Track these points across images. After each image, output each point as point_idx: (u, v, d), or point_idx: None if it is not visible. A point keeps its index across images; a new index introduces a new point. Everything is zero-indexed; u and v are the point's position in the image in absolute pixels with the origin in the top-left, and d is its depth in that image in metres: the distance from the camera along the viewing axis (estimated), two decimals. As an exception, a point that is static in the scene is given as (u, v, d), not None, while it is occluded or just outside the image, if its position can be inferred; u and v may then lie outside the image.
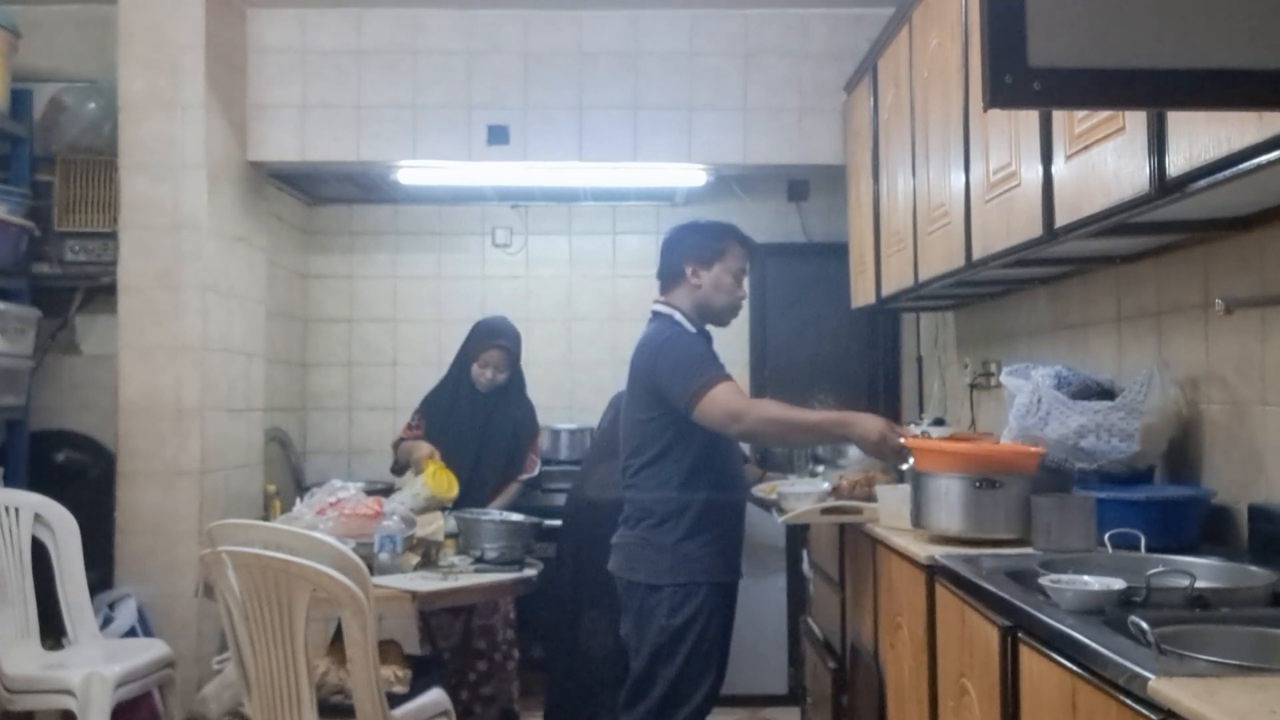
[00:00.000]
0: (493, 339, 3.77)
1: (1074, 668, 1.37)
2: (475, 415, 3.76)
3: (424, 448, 3.56)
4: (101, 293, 4.09)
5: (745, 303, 2.91)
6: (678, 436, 2.69)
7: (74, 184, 4.03)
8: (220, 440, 4.02)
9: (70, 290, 4.13)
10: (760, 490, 3.26)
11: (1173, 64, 0.96)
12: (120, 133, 3.92)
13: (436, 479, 3.37)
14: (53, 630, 3.42)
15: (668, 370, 2.65)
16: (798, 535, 4.03)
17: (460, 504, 3.46)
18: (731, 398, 2.59)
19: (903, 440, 2.45)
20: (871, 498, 2.59)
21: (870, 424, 2.53)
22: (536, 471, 3.86)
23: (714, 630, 2.67)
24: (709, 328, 2.85)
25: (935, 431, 3.46)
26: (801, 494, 2.75)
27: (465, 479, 3.55)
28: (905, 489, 2.47)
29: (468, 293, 5.35)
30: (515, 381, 3.84)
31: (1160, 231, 2.15)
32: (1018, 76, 0.93)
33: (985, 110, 1.08)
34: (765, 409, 2.67)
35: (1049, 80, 0.94)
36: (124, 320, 3.90)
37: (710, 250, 2.79)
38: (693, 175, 4.48)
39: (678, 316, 2.77)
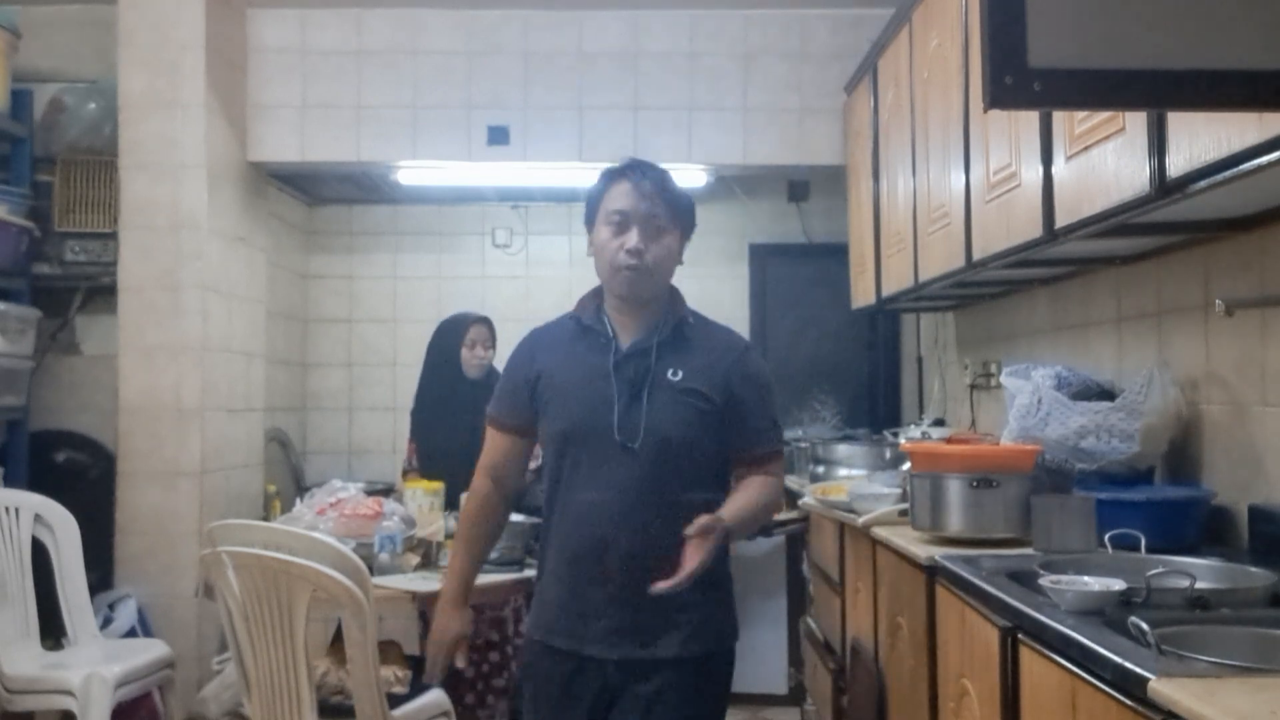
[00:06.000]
0: (470, 319, 3.76)
1: (1074, 668, 1.36)
2: (467, 411, 3.77)
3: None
4: (101, 293, 4.09)
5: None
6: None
7: (74, 184, 4.03)
8: (220, 440, 4.02)
9: (70, 290, 4.13)
10: (826, 492, 2.99)
11: (1172, 64, 0.96)
12: (120, 133, 3.92)
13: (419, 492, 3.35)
14: (53, 630, 3.42)
15: None
16: (798, 536, 4.03)
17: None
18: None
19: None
20: None
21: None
22: (540, 463, 3.85)
23: (530, 703, 2.12)
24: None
25: (935, 432, 3.47)
26: (879, 495, 2.56)
27: (467, 476, 3.55)
28: (878, 485, 2.49)
29: (468, 293, 5.35)
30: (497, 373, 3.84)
31: (1160, 232, 2.15)
32: (1018, 77, 0.93)
33: (986, 111, 1.07)
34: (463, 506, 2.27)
35: (1049, 81, 0.94)
36: (124, 320, 3.90)
37: (590, 204, 2.12)
38: (693, 176, 4.48)
39: (574, 311, 2.16)
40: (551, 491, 2.09)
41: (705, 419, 2.01)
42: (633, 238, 2.01)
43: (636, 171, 2.08)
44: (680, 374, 2.02)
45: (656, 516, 1.96)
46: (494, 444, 2.19)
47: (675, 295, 2.13)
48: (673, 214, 2.05)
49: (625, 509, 1.98)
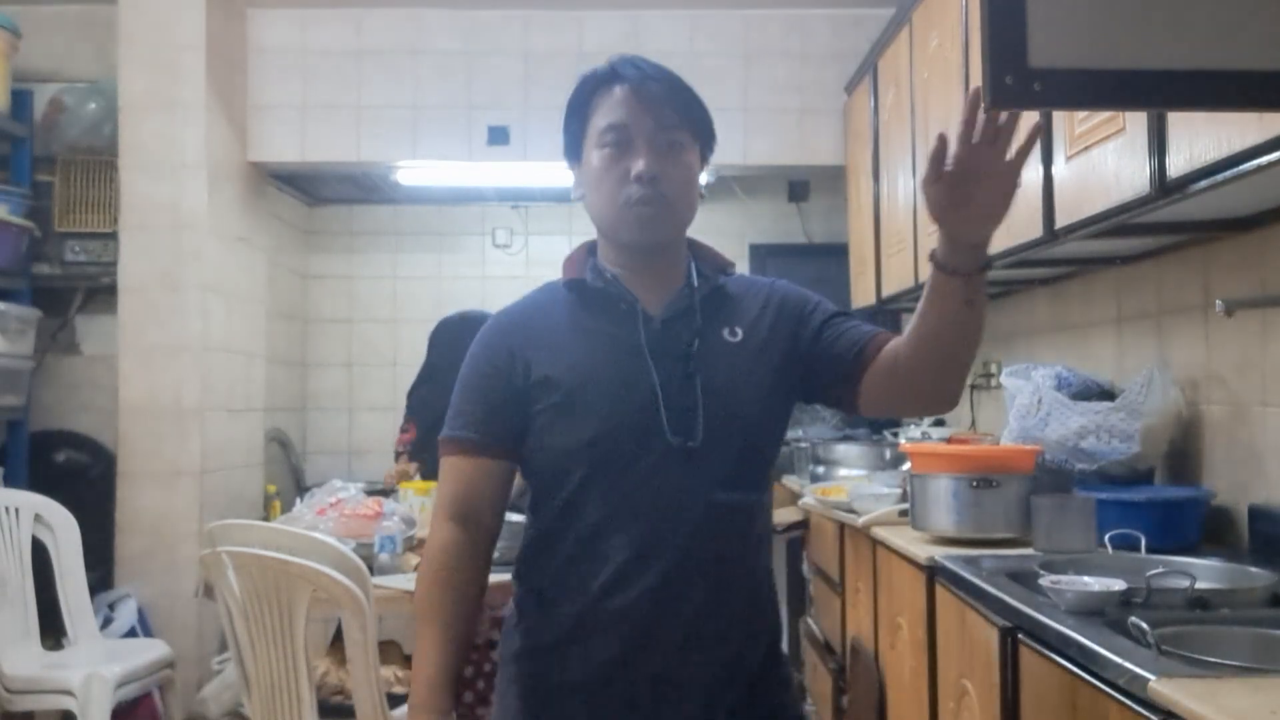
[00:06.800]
0: None
1: (1074, 669, 1.36)
2: None
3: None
4: (101, 293, 4.09)
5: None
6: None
7: (74, 184, 4.03)
8: (220, 440, 4.02)
9: (70, 290, 4.13)
10: (826, 492, 2.97)
11: (1173, 65, 0.96)
12: (120, 133, 3.92)
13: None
14: (53, 630, 3.42)
15: None
16: (797, 536, 4.02)
17: None
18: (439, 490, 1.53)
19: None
20: None
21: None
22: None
23: None
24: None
25: (935, 432, 3.47)
26: (879, 495, 2.54)
27: None
28: (878, 485, 2.48)
29: (468, 293, 5.35)
30: None
31: (1160, 232, 2.15)
32: (1018, 77, 0.93)
33: (985, 112, 1.08)
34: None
35: (1049, 81, 0.94)
36: (124, 320, 3.90)
37: (571, 125, 1.53)
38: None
39: (565, 276, 1.55)
40: (549, 545, 1.46)
41: (782, 383, 1.47)
42: (640, 161, 1.43)
43: (633, 69, 1.47)
44: (739, 332, 1.47)
45: (736, 556, 1.44)
46: (459, 476, 1.49)
47: (692, 244, 1.57)
48: (689, 123, 1.48)
49: (693, 552, 1.40)
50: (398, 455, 3.80)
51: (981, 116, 1.15)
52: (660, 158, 1.45)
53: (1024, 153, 1.16)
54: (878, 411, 1.48)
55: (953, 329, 1.34)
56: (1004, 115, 1.13)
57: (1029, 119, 1.35)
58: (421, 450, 3.68)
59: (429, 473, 3.45)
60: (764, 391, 1.45)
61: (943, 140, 1.17)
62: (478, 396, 1.50)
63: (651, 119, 1.45)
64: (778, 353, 1.47)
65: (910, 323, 1.38)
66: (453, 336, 3.87)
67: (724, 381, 1.43)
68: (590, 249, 1.56)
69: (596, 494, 1.42)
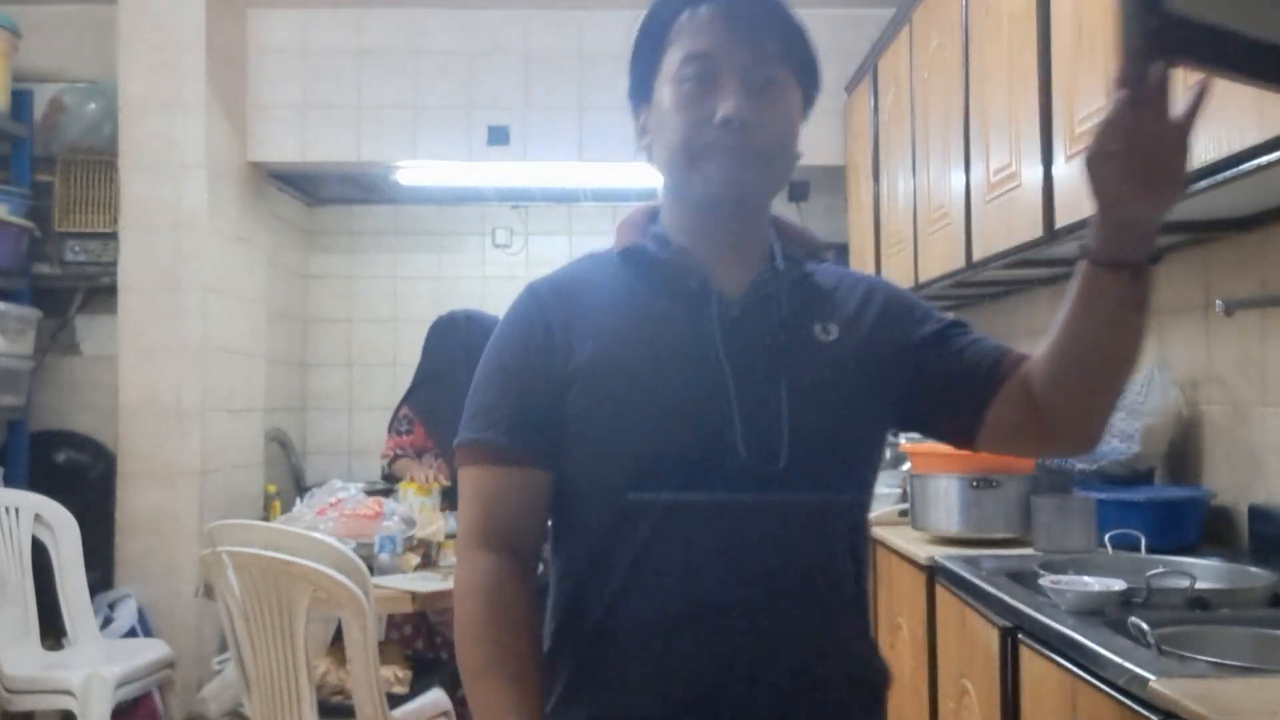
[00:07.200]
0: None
1: (1074, 669, 1.36)
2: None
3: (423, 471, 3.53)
4: (101, 293, 4.09)
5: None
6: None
7: (74, 184, 4.03)
8: (220, 440, 4.02)
9: (70, 290, 4.13)
10: None
11: None
12: (120, 133, 3.92)
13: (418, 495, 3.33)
14: (53, 630, 3.42)
15: None
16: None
17: None
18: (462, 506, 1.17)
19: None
20: None
21: None
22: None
23: None
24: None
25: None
26: (879, 495, 2.52)
27: None
28: (878, 485, 2.47)
29: (468, 293, 5.35)
30: None
31: (1160, 232, 2.15)
32: (1158, 21, 0.89)
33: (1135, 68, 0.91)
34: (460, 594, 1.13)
35: (1179, 32, 0.90)
36: (124, 320, 3.90)
37: (640, 62, 1.20)
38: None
39: (619, 243, 1.22)
40: (574, 608, 1.12)
41: (883, 398, 1.16)
42: (729, 101, 1.11)
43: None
44: (834, 330, 1.16)
45: (831, 621, 1.12)
46: (486, 490, 1.14)
47: (776, 220, 1.26)
48: (794, 58, 1.17)
49: (777, 619, 1.07)
50: (394, 459, 3.74)
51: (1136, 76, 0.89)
52: (754, 98, 1.12)
53: (1193, 111, 0.92)
54: (1000, 448, 1.18)
55: (1111, 342, 1.04)
56: (1159, 69, 0.89)
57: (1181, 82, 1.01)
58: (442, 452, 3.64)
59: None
60: (863, 404, 1.14)
61: (1124, 100, 0.90)
62: (507, 388, 1.15)
63: (746, 49, 1.13)
64: (880, 361, 1.16)
65: (1048, 340, 1.08)
66: (443, 335, 3.87)
67: (816, 388, 1.12)
68: (651, 214, 1.24)
69: (638, 534, 1.07)
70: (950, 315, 1.23)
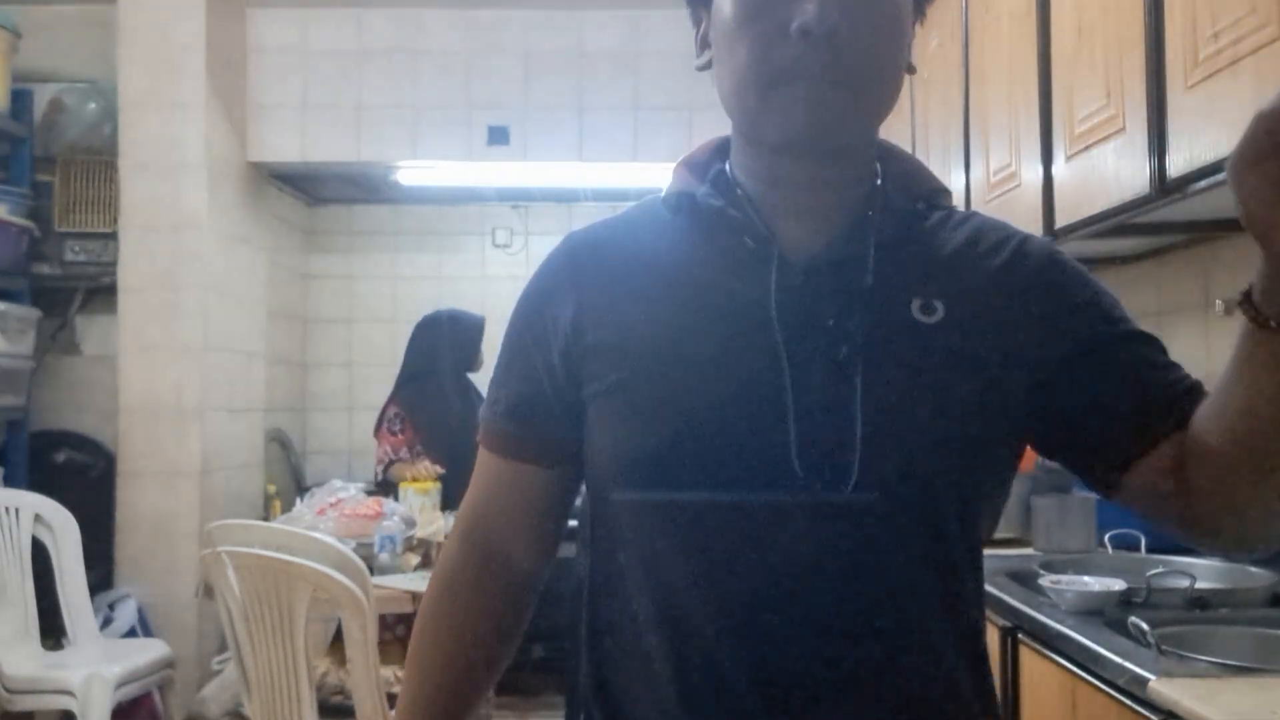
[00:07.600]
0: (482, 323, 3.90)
1: (1074, 668, 1.36)
2: (465, 408, 3.78)
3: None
4: (101, 293, 4.09)
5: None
6: None
7: (74, 184, 4.02)
8: (220, 440, 4.02)
9: (70, 290, 4.13)
10: None
11: None
12: (120, 133, 3.92)
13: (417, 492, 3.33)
14: (53, 630, 3.42)
15: None
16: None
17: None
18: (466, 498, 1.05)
19: None
20: None
21: None
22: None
23: None
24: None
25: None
26: None
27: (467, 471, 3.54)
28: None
29: (468, 293, 5.34)
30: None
31: (1160, 232, 2.15)
32: None
33: None
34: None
35: None
36: (124, 320, 3.90)
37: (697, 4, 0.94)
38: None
39: (673, 187, 0.97)
40: (612, 613, 0.91)
41: (1006, 413, 0.86)
42: (810, 3, 0.81)
43: None
44: (939, 307, 0.86)
45: (901, 660, 0.82)
46: (487, 481, 1.02)
47: (886, 154, 0.94)
48: None
49: (823, 661, 0.80)
50: (388, 465, 3.74)
51: None
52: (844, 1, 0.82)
53: None
54: (1143, 510, 0.92)
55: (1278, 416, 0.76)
56: None
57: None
58: (430, 448, 3.66)
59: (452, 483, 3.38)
60: (975, 413, 0.83)
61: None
62: (510, 368, 0.98)
63: None
64: (1007, 354, 0.86)
65: (1209, 405, 0.83)
66: (425, 336, 3.90)
67: (906, 387, 0.82)
68: (720, 147, 0.97)
69: (659, 559, 0.85)
70: (1131, 315, 0.93)
